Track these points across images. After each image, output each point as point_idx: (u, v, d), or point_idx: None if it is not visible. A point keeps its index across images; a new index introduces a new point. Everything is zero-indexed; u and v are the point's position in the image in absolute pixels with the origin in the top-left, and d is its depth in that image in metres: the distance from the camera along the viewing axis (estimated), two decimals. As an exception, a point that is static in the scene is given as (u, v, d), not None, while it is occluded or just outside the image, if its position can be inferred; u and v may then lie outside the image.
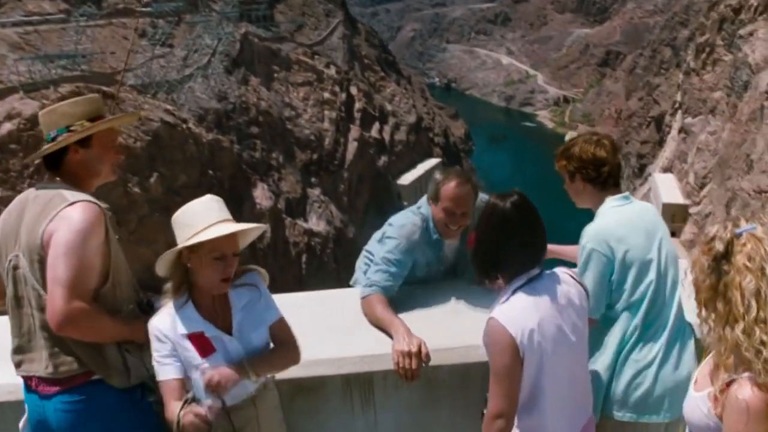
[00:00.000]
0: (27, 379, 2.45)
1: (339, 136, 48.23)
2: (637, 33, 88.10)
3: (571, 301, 2.38)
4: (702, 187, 29.23)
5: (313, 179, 45.08)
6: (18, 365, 2.43)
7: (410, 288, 3.24)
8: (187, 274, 2.36)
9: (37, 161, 2.63)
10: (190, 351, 2.33)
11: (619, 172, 2.93)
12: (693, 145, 31.58)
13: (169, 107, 32.39)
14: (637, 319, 2.71)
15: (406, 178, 55.78)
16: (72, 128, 2.43)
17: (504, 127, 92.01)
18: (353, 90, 51.60)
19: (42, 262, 2.31)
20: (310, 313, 3.20)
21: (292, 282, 37.60)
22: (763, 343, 1.63)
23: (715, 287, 1.74)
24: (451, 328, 2.98)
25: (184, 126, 32.08)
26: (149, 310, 2.51)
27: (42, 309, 2.33)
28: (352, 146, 49.09)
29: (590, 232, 2.74)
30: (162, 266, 2.36)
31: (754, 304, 1.66)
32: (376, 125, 53.27)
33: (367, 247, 3.76)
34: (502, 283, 2.42)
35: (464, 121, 78.97)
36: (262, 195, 38.46)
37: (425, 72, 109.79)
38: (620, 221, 2.77)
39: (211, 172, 33.75)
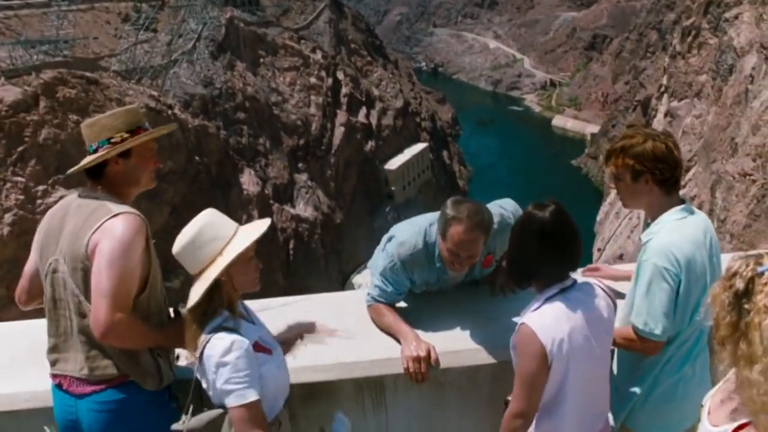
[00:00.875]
0: (59, 379, 2.49)
1: (326, 121, 48.03)
2: (624, 16, 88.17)
3: (600, 313, 2.42)
4: (687, 170, 29.42)
5: (300, 165, 44.92)
6: (53, 363, 2.49)
7: (416, 293, 3.25)
8: (221, 290, 2.33)
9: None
10: (258, 358, 2.32)
11: (680, 173, 2.65)
12: (679, 128, 31.70)
13: (154, 93, 32.10)
14: (688, 344, 2.61)
15: (394, 163, 55.74)
16: (113, 140, 2.54)
17: (491, 111, 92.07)
18: (340, 75, 51.35)
19: (85, 271, 2.39)
20: (317, 317, 3.21)
21: (280, 268, 37.61)
22: None
23: (735, 325, 1.67)
24: (459, 331, 3.01)
25: (170, 112, 31.83)
26: (176, 316, 2.60)
27: (81, 314, 2.42)
28: (339, 131, 48.93)
29: (657, 248, 2.50)
30: (199, 292, 2.30)
31: None
32: (363, 110, 53.09)
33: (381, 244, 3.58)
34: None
35: (451, 105, 78.87)
36: (249, 181, 38.30)
37: (412, 56, 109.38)
38: (688, 237, 2.55)
39: (197, 158, 33.55)
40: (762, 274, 1.64)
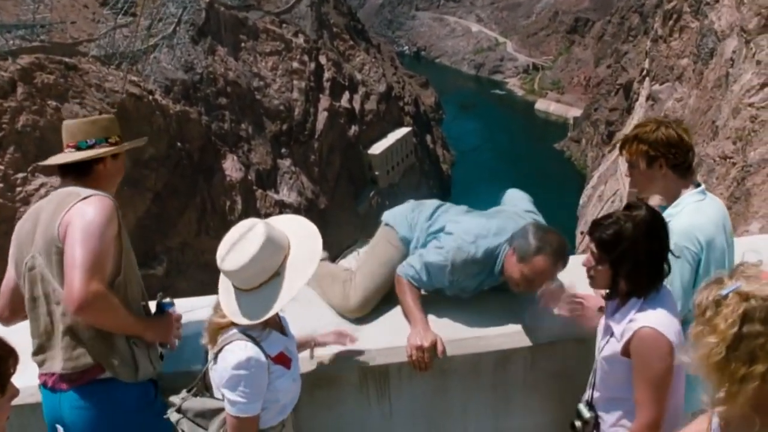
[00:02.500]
0: (44, 378, 2.47)
1: (309, 106, 47.77)
2: (606, 0, 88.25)
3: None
4: (668, 153, 29.71)
5: (283, 150, 44.70)
6: (41, 365, 2.47)
7: None
8: None
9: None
10: (275, 372, 2.30)
11: (692, 160, 2.74)
12: (660, 111, 31.92)
13: (134, 78, 31.70)
14: None
15: (377, 148, 55.62)
16: (110, 140, 2.66)
17: (474, 95, 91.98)
18: (322, 59, 51.01)
19: (60, 254, 2.36)
20: (321, 308, 3.23)
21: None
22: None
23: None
24: (461, 319, 3.04)
25: (151, 97, 31.48)
26: (158, 310, 2.61)
27: (57, 303, 2.38)
28: (322, 116, 48.69)
29: (679, 228, 2.54)
30: (272, 308, 2.26)
31: (709, 364, 1.64)
32: (346, 95, 52.84)
33: (416, 208, 3.37)
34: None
35: (434, 89, 78.68)
36: (232, 167, 38.06)
37: (395, 40, 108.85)
38: (710, 219, 2.63)
39: (179, 144, 33.26)
40: (726, 296, 1.65)
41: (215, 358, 2.27)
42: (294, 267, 2.29)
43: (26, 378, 2.56)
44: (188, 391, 2.42)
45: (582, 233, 38.84)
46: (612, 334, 2.38)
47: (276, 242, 2.27)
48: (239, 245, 2.23)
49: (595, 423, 2.50)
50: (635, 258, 2.27)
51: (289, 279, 2.27)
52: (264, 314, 2.24)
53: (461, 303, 3.13)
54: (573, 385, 2.73)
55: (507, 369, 2.99)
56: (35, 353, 2.46)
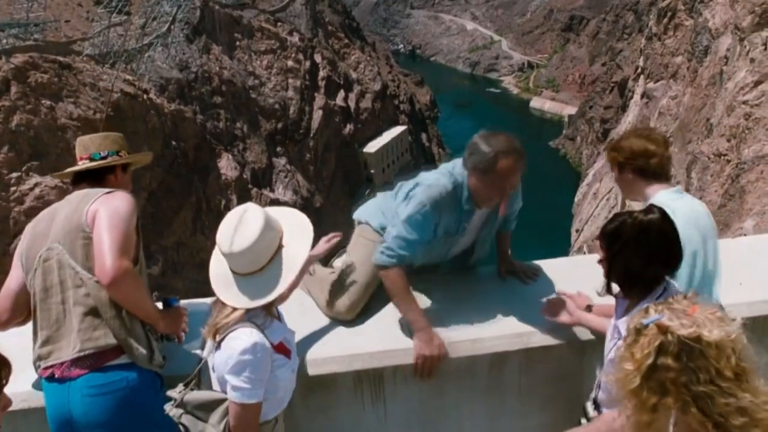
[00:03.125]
0: (50, 370, 2.45)
1: (304, 104, 47.71)
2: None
3: None
4: (663, 151, 29.73)
5: (278, 148, 44.63)
6: (47, 357, 2.45)
7: (414, 281, 3.20)
8: None
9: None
10: (277, 360, 2.33)
11: (669, 165, 2.93)
12: (655, 109, 31.97)
13: (129, 77, 31.61)
14: None
15: (372, 146, 55.61)
16: (121, 153, 2.89)
17: (469, 93, 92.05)
18: (317, 58, 50.94)
19: (86, 239, 2.50)
20: (315, 309, 3.22)
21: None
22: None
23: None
24: (456, 321, 3.03)
25: (145, 96, 31.39)
26: (166, 307, 2.73)
27: (76, 286, 2.46)
28: (317, 115, 48.63)
29: None
30: (279, 288, 2.31)
31: (620, 389, 1.69)
32: (341, 93, 52.80)
33: (384, 196, 3.45)
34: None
35: (429, 87, 78.66)
36: (227, 165, 38.00)
37: (390, 38, 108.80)
38: (678, 217, 2.65)
39: (174, 143, 33.18)
40: (646, 326, 1.68)
41: (218, 346, 2.27)
42: (291, 243, 2.34)
43: (18, 384, 2.56)
44: (185, 386, 2.42)
45: (577, 231, 38.89)
46: (620, 336, 2.39)
47: (272, 221, 2.34)
48: (242, 228, 2.27)
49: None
50: (626, 257, 2.30)
51: (290, 255, 2.32)
52: (274, 291, 2.28)
53: (456, 305, 3.12)
54: (568, 387, 2.74)
55: (502, 371, 2.98)
56: (42, 345, 2.47)
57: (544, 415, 3.07)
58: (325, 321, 3.13)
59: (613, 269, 2.35)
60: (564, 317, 2.86)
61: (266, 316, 2.32)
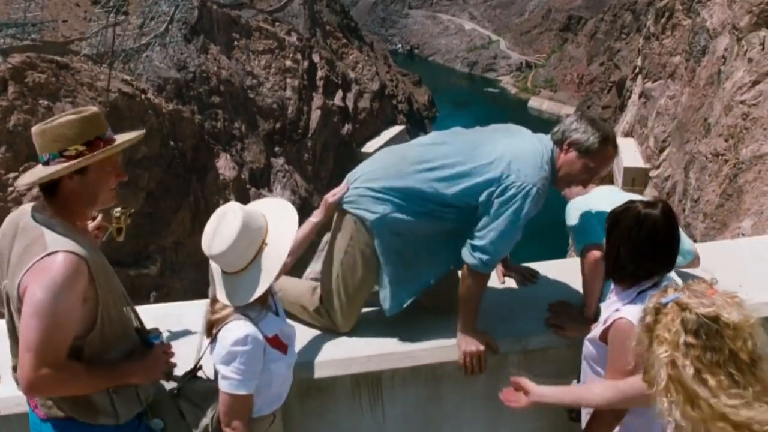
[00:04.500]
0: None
1: (302, 104, 47.65)
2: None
3: None
4: (661, 150, 29.73)
5: (276, 148, 44.57)
6: (18, 382, 2.38)
7: None
8: None
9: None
10: (271, 354, 2.35)
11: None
12: (653, 109, 31.95)
13: (126, 77, 31.56)
14: None
15: (371, 146, 55.51)
16: (65, 153, 2.24)
17: (467, 93, 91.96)
18: (315, 58, 50.89)
19: (19, 312, 2.23)
20: None
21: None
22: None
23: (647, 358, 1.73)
24: (453, 325, 3.02)
25: (143, 96, 31.33)
26: (147, 345, 2.47)
27: None
28: (315, 115, 48.57)
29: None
30: (258, 290, 2.31)
31: (664, 374, 1.64)
32: (340, 93, 52.73)
33: (396, 162, 2.95)
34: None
35: (428, 87, 78.60)
36: (225, 165, 37.92)
37: (388, 38, 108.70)
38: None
39: (172, 143, 33.11)
40: (665, 305, 1.70)
41: (213, 339, 2.34)
42: (276, 239, 2.36)
43: (10, 388, 2.54)
44: (185, 377, 2.49)
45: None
46: (603, 322, 2.43)
47: (254, 219, 2.35)
48: (221, 229, 2.31)
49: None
50: (617, 244, 2.35)
51: (274, 251, 2.34)
52: (258, 289, 2.29)
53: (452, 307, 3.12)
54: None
55: (500, 374, 2.98)
56: (14, 370, 2.38)
57: (543, 418, 3.06)
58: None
59: (607, 252, 2.42)
60: (572, 331, 2.87)
61: (261, 309, 2.36)
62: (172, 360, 2.48)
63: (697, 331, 1.61)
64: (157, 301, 20.79)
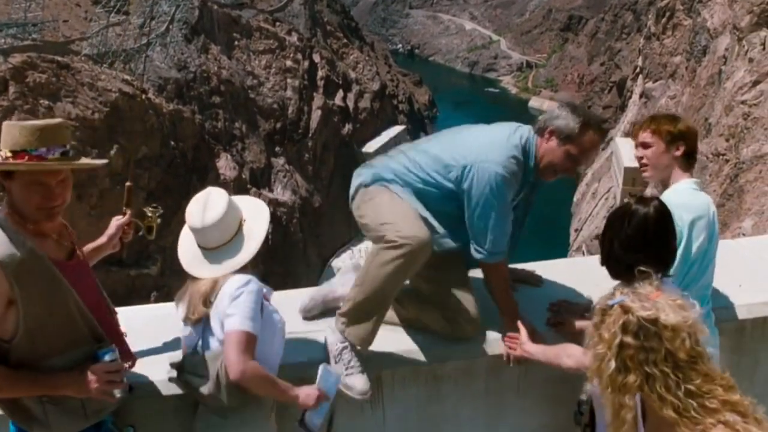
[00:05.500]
0: None
1: (302, 104, 47.65)
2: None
3: None
4: (662, 150, 29.74)
5: (277, 148, 44.55)
6: None
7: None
8: None
9: None
10: (268, 306, 2.53)
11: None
12: (654, 109, 31.97)
13: (127, 77, 31.56)
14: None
15: (371, 146, 55.50)
16: (0, 153, 2.21)
17: (468, 93, 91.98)
18: (316, 57, 50.89)
19: None
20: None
21: (258, 253, 37.36)
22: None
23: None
24: None
25: (144, 96, 31.35)
26: (95, 359, 2.34)
27: None
28: (315, 115, 48.56)
29: (680, 204, 2.67)
30: (244, 260, 2.52)
31: (594, 367, 1.81)
32: (340, 93, 52.72)
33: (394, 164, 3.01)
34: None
35: (428, 87, 78.60)
36: (225, 165, 37.92)
37: (388, 38, 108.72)
38: (700, 201, 2.81)
39: (173, 143, 33.11)
40: (611, 307, 1.82)
41: (212, 304, 2.43)
42: (252, 219, 2.58)
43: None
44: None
45: (576, 230, 38.87)
46: None
47: (233, 200, 2.56)
48: (210, 205, 2.48)
49: (590, 408, 2.59)
50: (611, 241, 2.36)
51: (251, 228, 2.55)
52: (241, 257, 2.46)
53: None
54: (568, 389, 2.73)
55: (500, 374, 2.98)
56: None
57: (544, 418, 3.06)
58: (323, 323, 3.11)
59: (601, 247, 2.43)
60: (572, 325, 2.88)
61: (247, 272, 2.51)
62: (117, 380, 2.34)
63: (636, 333, 1.72)
64: (157, 300, 20.79)
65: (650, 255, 2.29)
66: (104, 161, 2.64)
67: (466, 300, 2.85)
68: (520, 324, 2.70)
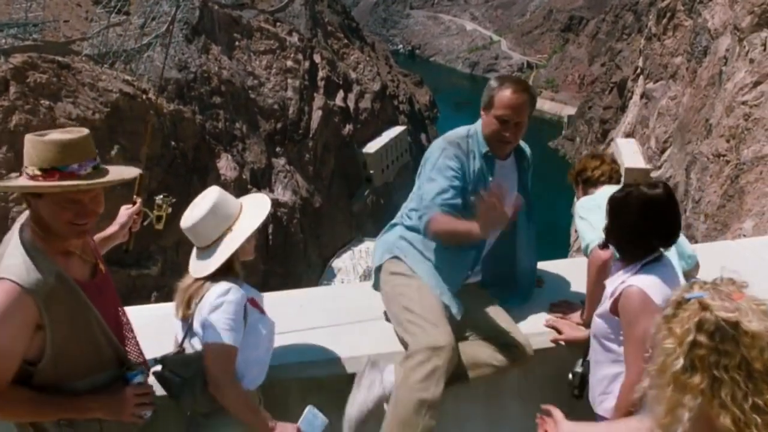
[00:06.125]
0: None
1: (303, 104, 47.67)
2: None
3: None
4: (663, 151, 29.76)
5: (277, 149, 44.58)
6: None
7: None
8: (230, 258, 2.51)
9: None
10: (254, 314, 2.47)
11: (615, 174, 3.42)
12: (654, 110, 31.98)
13: (128, 77, 31.58)
14: None
15: (372, 146, 55.55)
16: (27, 170, 2.11)
17: (468, 93, 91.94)
18: (317, 58, 50.91)
19: None
20: (315, 312, 3.21)
21: (259, 252, 37.41)
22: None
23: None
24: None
25: (144, 97, 31.36)
26: (125, 381, 2.33)
27: None
28: (316, 115, 48.58)
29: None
30: (219, 261, 2.46)
31: (659, 363, 1.68)
32: (341, 93, 52.75)
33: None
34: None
35: (429, 88, 78.62)
36: (226, 166, 37.95)
37: (389, 39, 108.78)
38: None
39: (173, 143, 33.14)
40: (688, 300, 1.68)
41: (195, 310, 2.42)
42: (245, 218, 2.52)
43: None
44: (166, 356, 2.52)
45: (576, 231, 38.84)
46: (609, 295, 2.48)
47: (226, 205, 2.50)
48: (194, 207, 2.50)
49: (582, 378, 2.68)
50: (627, 225, 2.45)
51: (242, 228, 2.49)
52: (214, 264, 2.42)
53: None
54: (566, 389, 2.73)
55: (500, 377, 2.97)
56: None
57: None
58: (322, 323, 3.11)
59: (612, 232, 2.51)
60: (570, 334, 2.89)
61: (234, 279, 2.47)
62: (147, 402, 2.33)
63: (712, 333, 1.60)
64: (158, 300, 20.78)
65: (663, 231, 2.44)
66: (138, 171, 2.46)
67: (506, 322, 2.89)
68: (552, 409, 2.65)
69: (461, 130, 3.05)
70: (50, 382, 2.17)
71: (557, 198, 51.66)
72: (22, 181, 2.12)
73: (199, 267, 2.47)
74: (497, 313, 2.92)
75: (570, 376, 2.70)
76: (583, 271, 2.94)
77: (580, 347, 2.78)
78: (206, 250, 2.48)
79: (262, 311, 2.54)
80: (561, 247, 38.15)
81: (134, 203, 2.79)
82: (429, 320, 2.71)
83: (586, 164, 3.44)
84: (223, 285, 2.39)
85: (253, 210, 2.59)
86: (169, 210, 2.91)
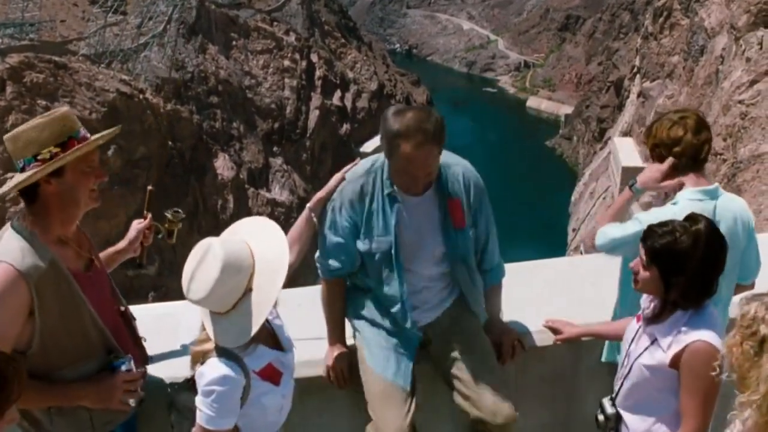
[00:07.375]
0: None
1: (300, 104, 47.61)
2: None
3: None
4: (660, 150, 29.77)
5: (275, 148, 44.51)
6: None
7: None
8: None
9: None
10: (260, 387, 2.28)
11: (699, 154, 2.82)
12: (651, 109, 32.00)
13: (124, 77, 31.53)
14: None
15: (369, 146, 55.44)
16: (39, 157, 2.19)
17: (465, 92, 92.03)
18: (314, 57, 50.85)
19: None
20: (313, 311, 3.20)
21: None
22: None
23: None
24: None
25: (141, 96, 31.31)
26: (112, 370, 2.34)
27: None
28: (313, 114, 48.52)
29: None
30: (245, 333, 2.21)
31: (763, 389, 1.57)
32: (338, 93, 52.67)
33: None
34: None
35: (426, 87, 78.52)
36: (223, 165, 37.88)
37: (386, 38, 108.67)
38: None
39: (170, 143, 33.09)
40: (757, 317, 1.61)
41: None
42: (264, 277, 2.20)
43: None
44: (173, 386, 2.45)
45: (574, 230, 38.91)
46: (654, 342, 2.37)
47: (237, 258, 2.16)
48: (199, 272, 2.13)
49: (617, 420, 2.51)
50: (688, 271, 2.25)
51: (263, 291, 2.18)
52: (244, 337, 2.19)
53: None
54: (564, 387, 2.73)
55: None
56: None
57: (541, 416, 3.06)
58: (322, 322, 3.11)
59: (670, 282, 2.28)
60: (570, 331, 2.87)
61: (246, 345, 2.25)
62: (134, 389, 2.33)
63: None
64: (155, 300, 20.76)
65: (722, 267, 2.28)
66: (117, 127, 2.60)
67: (474, 380, 2.83)
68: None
69: (360, 168, 2.80)
70: (38, 370, 2.18)
71: (554, 196, 51.72)
72: (43, 166, 2.16)
73: (221, 337, 2.19)
74: (468, 364, 2.71)
75: (600, 417, 2.53)
76: (583, 271, 2.94)
77: (576, 348, 2.77)
78: (224, 316, 2.18)
79: (279, 376, 2.32)
80: (558, 246, 38.21)
81: (145, 218, 2.81)
82: (377, 408, 2.64)
83: (670, 133, 2.81)
84: (219, 369, 2.18)
85: (267, 253, 2.24)
86: (179, 225, 2.90)
